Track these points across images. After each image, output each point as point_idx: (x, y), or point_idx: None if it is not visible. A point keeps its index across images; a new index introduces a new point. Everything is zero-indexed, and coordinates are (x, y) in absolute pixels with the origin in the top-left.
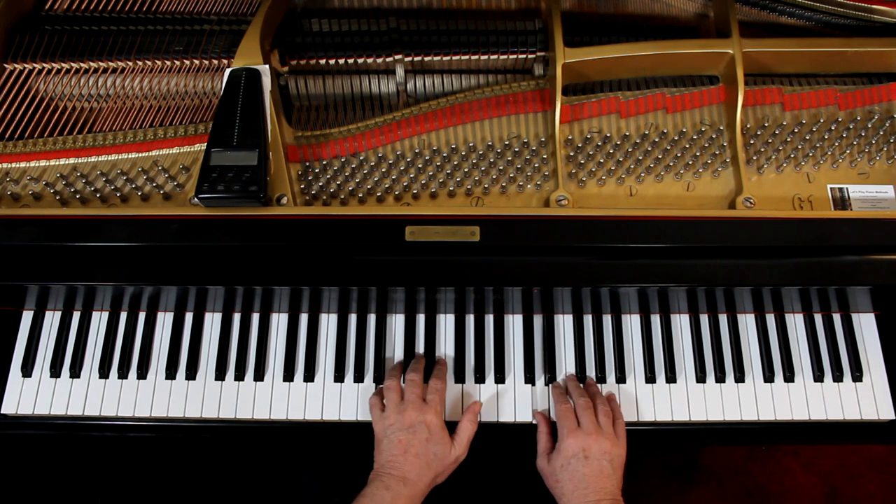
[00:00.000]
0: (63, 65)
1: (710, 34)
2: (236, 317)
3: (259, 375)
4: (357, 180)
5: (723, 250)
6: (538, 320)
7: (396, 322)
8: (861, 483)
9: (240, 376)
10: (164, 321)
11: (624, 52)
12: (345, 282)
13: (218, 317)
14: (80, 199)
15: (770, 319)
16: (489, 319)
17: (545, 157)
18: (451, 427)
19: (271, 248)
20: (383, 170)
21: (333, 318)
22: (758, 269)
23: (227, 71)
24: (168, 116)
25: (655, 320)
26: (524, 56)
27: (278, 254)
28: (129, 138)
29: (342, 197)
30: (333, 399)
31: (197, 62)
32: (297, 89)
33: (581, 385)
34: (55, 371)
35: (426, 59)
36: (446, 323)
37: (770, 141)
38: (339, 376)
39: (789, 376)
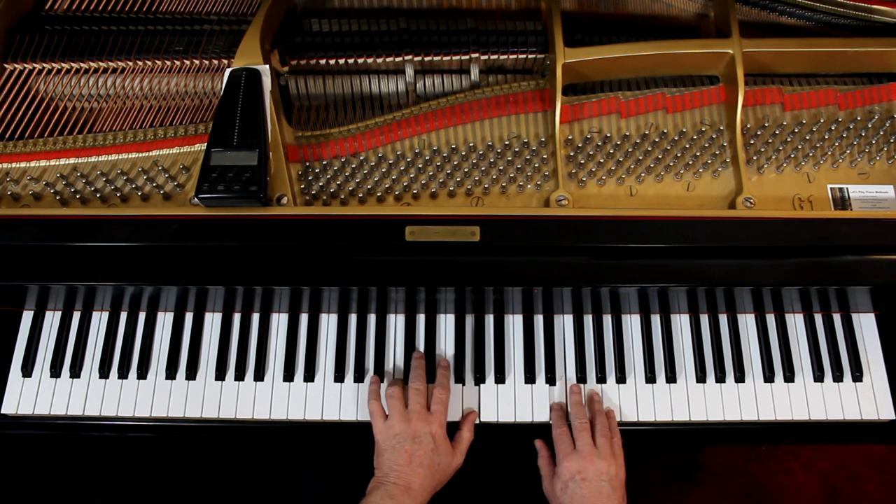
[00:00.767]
0: (63, 65)
1: (710, 34)
2: (236, 317)
3: (259, 375)
4: (357, 180)
5: (723, 250)
6: (538, 320)
7: (396, 322)
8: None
9: (240, 376)
10: (165, 321)
11: (624, 52)
12: (345, 282)
13: (218, 317)
14: (80, 199)
15: (770, 319)
16: (489, 319)
17: (545, 157)
18: (451, 427)
19: (271, 248)
20: (383, 170)
21: (333, 318)
22: (758, 269)
23: (227, 71)
24: (168, 116)
25: (655, 320)
26: (524, 56)
27: (278, 254)
28: (129, 138)
29: (342, 197)
30: (333, 399)
31: (197, 62)
32: (297, 89)
33: (581, 393)
34: (55, 371)
35: (426, 59)
36: (446, 323)
37: (770, 141)
38: (340, 376)
39: (789, 376)
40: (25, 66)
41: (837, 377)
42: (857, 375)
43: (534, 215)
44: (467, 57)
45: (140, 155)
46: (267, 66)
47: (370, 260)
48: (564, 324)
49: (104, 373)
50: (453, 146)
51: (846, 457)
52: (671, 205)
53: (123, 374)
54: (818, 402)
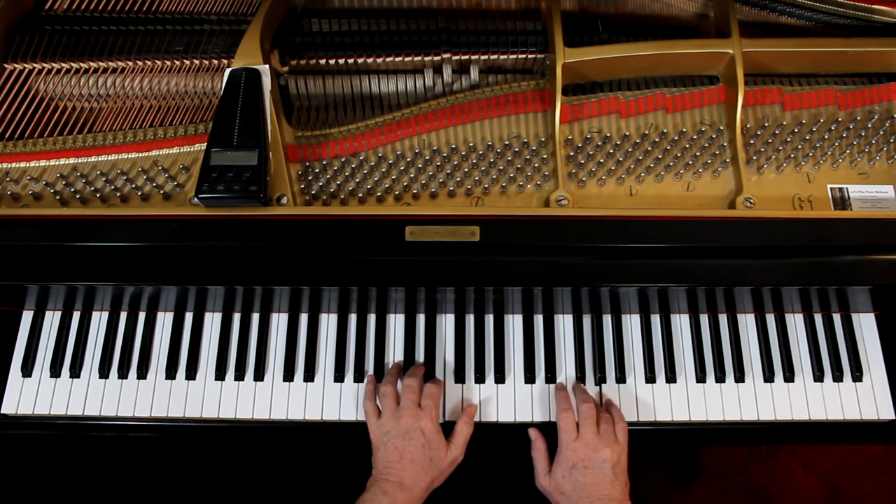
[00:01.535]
0: (63, 65)
1: (710, 34)
2: (236, 317)
3: (259, 375)
4: (357, 180)
5: (723, 250)
6: (538, 320)
7: (396, 322)
8: (861, 483)
9: (240, 376)
10: (164, 321)
11: (624, 52)
12: (345, 282)
13: (218, 317)
14: (80, 199)
15: (770, 319)
16: (489, 319)
17: (545, 157)
18: (451, 427)
19: (271, 248)
20: (383, 170)
21: (333, 318)
22: (758, 269)
23: (227, 71)
24: (168, 116)
25: (655, 320)
26: (524, 56)
27: (278, 254)
28: (129, 138)
29: (342, 197)
30: (333, 399)
31: (197, 62)
32: (297, 89)
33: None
34: (55, 371)
35: (425, 59)
36: (446, 323)
37: (770, 141)
38: (339, 376)
39: (789, 376)
40: (25, 66)
41: (837, 377)
42: (857, 375)
43: (534, 215)
44: (467, 57)
45: (140, 155)
46: (267, 66)
47: (370, 260)
48: (564, 324)
49: (104, 373)
50: (453, 146)
51: (846, 457)
52: (671, 205)
53: (123, 373)
54: (818, 402)
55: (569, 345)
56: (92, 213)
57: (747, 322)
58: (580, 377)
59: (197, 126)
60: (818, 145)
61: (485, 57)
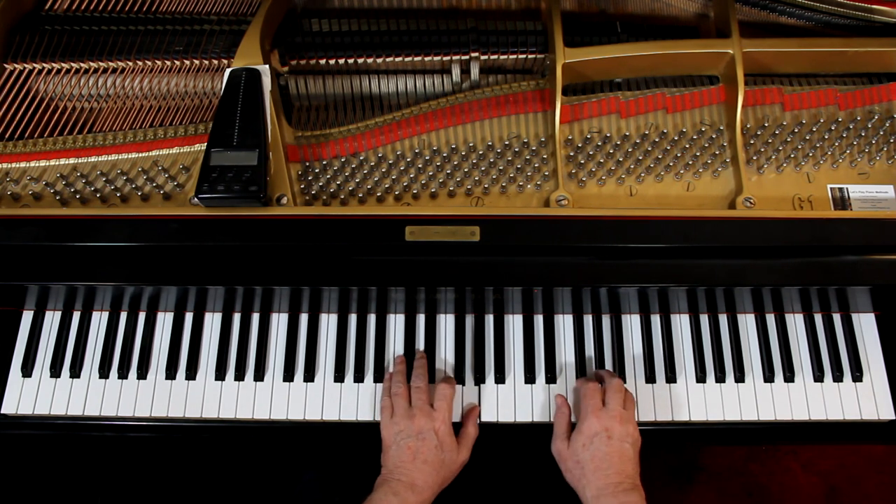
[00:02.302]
0: (63, 65)
1: (710, 34)
2: (236, 317)
3: (259, 375)
4: (357, 180)
5: (723, 250)
6: (538, 320)
7: (396, 322)
8: (861, 483)
9: (240, 376)
10: (164, 321)
11: (624, 52)
12: (345, 282)
13: (218, 317)
14: (80, 199)
15: (770, 319)
16: (489, 319)
17: (545, 157)
18: (455, 428)
19: (271, 248)
20: (383, 170)
21: (333, 318)
22: (758, 269)
23: (227, 71)
24: (168, 116)
25: (655, 320)
26: (524, 56)
27: (278, 254)
28: (129, 138)
29: (342, 197)
30: (333, 399)
31: (197, 62)
32: (297, 89)
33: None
34: (55, 371)
35: (425, 59)
36: (446, 323)
37: (770, 141)
38: (340, 376)
39: (789, 376)
40: (25, 66)
41: (837, 377)
42: (857, 375)
43: (534, 215)
44: (467, 57)
45: (140, 155)
46: (267, 66)
47: (370, 260)
48: (564, 324)
49: (104, 373)
50: (453, 146)
51: (846, 457)
52: (671, 205)
53: (123, 374)
54: (818, 402)
55: (569, 345)
56: (92, 213)
57: (747, 322)
58: (580, 377)
59: (197, 126)
60: (818, 145)
61: (485, 57)
